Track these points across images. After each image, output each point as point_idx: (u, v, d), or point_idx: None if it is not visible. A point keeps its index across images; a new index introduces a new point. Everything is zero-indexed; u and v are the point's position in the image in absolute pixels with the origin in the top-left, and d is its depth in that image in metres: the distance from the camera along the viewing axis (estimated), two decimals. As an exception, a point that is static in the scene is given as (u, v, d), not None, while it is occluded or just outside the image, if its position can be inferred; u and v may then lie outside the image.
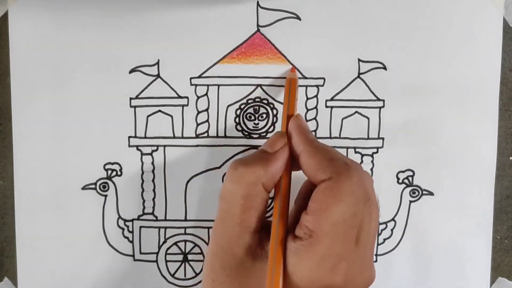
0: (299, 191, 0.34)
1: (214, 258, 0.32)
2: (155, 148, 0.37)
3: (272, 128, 0.37)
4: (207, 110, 0.37)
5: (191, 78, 0.37)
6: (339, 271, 0.29)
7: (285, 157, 0.32)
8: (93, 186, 0.37)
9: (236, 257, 0.31)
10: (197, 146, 0.37)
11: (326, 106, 0.37)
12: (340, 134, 0.37)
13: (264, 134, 0.37)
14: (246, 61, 0.37)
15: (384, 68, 0.37)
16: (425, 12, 0.36)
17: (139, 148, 0.37)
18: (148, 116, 0.37)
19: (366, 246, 0.31)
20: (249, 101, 0.37)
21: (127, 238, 0.38)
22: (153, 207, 0.38)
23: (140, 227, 0.38)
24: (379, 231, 0.38)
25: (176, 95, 0.37)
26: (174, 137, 0.37)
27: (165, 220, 0.38)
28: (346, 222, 0.29)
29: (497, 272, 0.38)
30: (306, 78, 0.37)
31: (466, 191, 0.38)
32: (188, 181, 0.37)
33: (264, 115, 0.37)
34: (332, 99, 0.37)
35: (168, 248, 0.38)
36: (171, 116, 0.37)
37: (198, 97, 0.37)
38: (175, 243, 0.38)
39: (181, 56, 0.37)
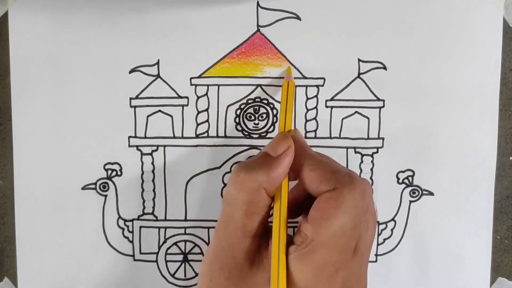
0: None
1: (214, 259, 0.31)
2: (155, 148, 0.37)
3: (272, 128, 0.37)
4: (207, 110, 0.37)
5: (191, 78, 0.37)
6: (337, 280, 0.29)
7: (289, 161, 0.30)
8: (93, 186, 0.37)
9: (235, 261, 0.31)
10: (197, 146, 0.37)
11: (326, 106, 0.37)
12: (340, 134, 0.37)
13: (264, 134, 0.37)
14: (246, 61, 0.37)
15: (384, 68, 0.37)
16: (425, 12, 0.36)
17: (139, 148, 0.37)
18: (148, 116, 0.37)
19: (363, 255, 0.30)
20: (249, 101, 0.37)
21: (127, 238, 0.38)
22: (153, 207, 0.38)
23: (140, 227, 0.38)
24: (379, 231, 0.38)
25: (176, 95, 0.37)
26: (174, 137, 0.37)
27: (165, 220, 0.38)
28: (346, 234, 0.28)
29: (497, 272, 0.38)
30: (306, 78, 0.37)
31: (466, 191, 0.38)
32: (188, 181, 0.37)
33: (264, 115, 0.37)
34: (332, 99, 0.37)
35: (168, 248, 0.38)
36: (171, 116, 0.37)
37: (198, 97, 0.37)
38: (175, 243, 0.38)
39: (181, 56, 0.37)
